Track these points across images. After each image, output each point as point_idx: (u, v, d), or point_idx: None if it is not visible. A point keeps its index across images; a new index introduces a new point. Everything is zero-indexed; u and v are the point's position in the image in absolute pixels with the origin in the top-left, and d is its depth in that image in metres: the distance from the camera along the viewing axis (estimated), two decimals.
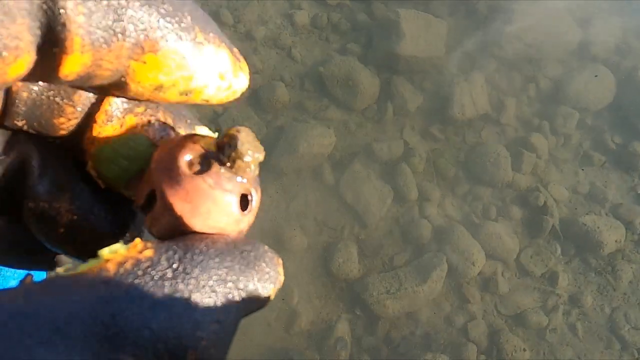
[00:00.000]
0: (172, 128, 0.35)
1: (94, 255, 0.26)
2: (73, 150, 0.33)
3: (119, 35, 0.25)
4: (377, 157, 3.70)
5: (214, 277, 0.25)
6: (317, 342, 3.21)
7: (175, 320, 0.23)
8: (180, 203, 0.28)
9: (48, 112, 0.30)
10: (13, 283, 0.62)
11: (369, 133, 3.82)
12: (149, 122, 0.34)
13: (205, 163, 0.29)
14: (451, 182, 3.72)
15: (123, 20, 0.25)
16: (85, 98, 0.31)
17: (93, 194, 0.34)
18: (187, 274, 0.25)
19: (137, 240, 0.26)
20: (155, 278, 0.24)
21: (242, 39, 4.13)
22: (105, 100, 0.32)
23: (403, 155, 3.73)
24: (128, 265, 0.24)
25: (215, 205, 0.28)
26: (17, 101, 0.29)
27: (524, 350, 3.22)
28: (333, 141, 3.70)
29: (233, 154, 0.28)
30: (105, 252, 0.26)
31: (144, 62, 0.27)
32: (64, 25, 0.23)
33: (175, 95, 0.29)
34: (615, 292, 3.39)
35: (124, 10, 0.24)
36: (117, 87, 0.28)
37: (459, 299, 3.36)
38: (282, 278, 0.30)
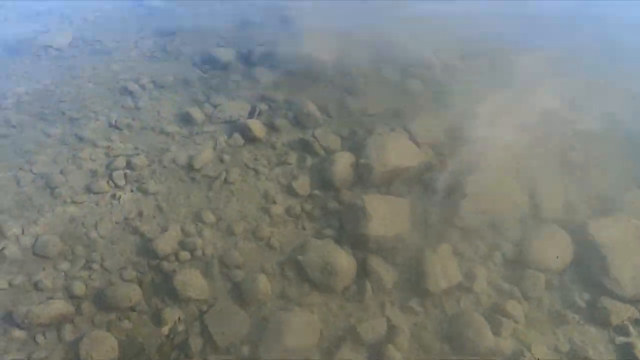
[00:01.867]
0: None
1: None
2: None
3: None
4: (363, 340, 3.78)
5: None
6: None
7: None
8: None
9: None
10: None
11: (352, 314, 3.96)
12: None
13: None
14: (438, 356, 3.78)
15: None
16: None
17: None
18: None
19: None
20: None
21: (224, 236, 4.46)
22: None
23: (387, 334, 3.83)
24: None
25: None
26: None
27: None
28: (318, 328, 3.82)
29: None
30: None
31: None
32: None
33: None
34: None
35: None
36: None
37: None
38: None
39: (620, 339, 3.71)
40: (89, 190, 4.68)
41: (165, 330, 3.81)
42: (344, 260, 4.22)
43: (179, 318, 3.88)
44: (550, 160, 4.91)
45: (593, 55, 6.76)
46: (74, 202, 4.55)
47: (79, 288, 3.90)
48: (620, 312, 3.77)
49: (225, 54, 6.94)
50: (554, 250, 4.14)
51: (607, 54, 6.81)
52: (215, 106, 5.83)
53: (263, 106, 5.90)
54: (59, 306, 3.72)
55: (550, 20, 7.88)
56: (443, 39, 7.02)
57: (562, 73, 6.19)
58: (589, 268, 4.06)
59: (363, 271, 4.25)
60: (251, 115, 5.75)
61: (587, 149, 5.06)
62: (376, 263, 4.26)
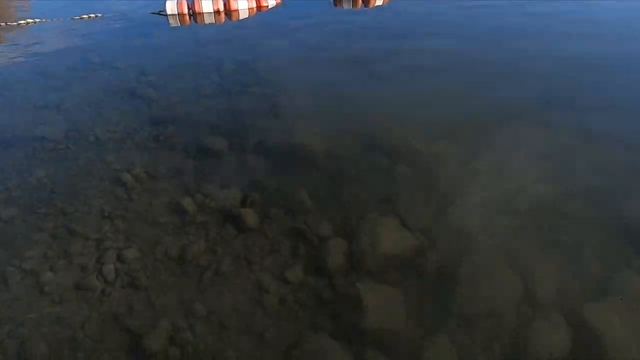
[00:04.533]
0: None
1: None
2: None
3: None
4: None
5: None
6: None
7: None
8: None
9: None
10: None
11: None
12: None
13: None
14: None
15: None
16: None
17: None
18: None
19: None
20: None
21: (216, 330, 4.33)
22: None
23: None
24: None
25: None
26: None
27: None
28: None
29: None
30: None
31: None
32: None
33: None
34: None
35: None
36: None
37: None
38: None
39: None
40: (77, 287, 4.58)
41: None
42: (339, 356, 4.09)
43: None
44: (541, 242, 4.96)
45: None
46: (62, 301, 4.44)
47: None
48: None
49: (217, 143, 7.13)
50: (551, 338, 4.07)
51: None
52: (206, 195, 5.90)
53: (255, 194, 5.98)
54: None
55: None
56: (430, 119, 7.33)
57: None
58: (589, 356, 3.98)
59: None
60: (243, 204, 5.81)
61: (577, 232, 5.14)
62: (374, 357, 4.13)
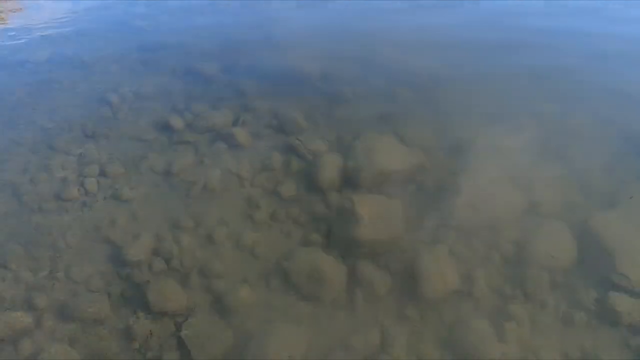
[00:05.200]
0: None
1: None
2: None
3: None
4: (355, 352, 3.44)
5: None
6: None
7: None
8: None
9: None
10: None
11: (343, 325, 3.62)
12: None
13: None
14: None
15: None
16: None
17: None
18: None
19: None
20: None
21: (203, 243, 4.14)
22: None
23: (381, 344, 3.49)
24: None
25: None
26: None
27: None
28: (306, 341, 3.47)
29: None
30: None
31: None
32: None
33: None
34: None
35: None
36: None
37: None
38: None
39: (636, 340, 3.39)
40: (58, 198, 4.36)
41: (136, 345, 3.43)
42: (332, 268, 3.91)
43: (151, 332, 3.51)
44: (548, 157, 4.70)
45: None
46: (41, 210, 4.22)
47: (40, 299, 3.53)
48: (633, 311, 3.47)
49: (209, 67, 6.77)
50: (557, 247, 3.87)
51: None
52: (196, 115, 5.60)
53: (247, 116, 5.67)
54: (18, 319, 3.35)
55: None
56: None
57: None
58: (594, 265, 3.79)
59: (354, 279, 3.92)
60: (235, 124, 5.52)
61: (585, 146, 4.87)
62: (368, 269, 3.94)
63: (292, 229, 4.34)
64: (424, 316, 3.68)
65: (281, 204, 4.50)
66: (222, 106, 5.83)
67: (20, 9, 10.00)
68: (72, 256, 3.90)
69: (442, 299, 3.74)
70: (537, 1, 9.64)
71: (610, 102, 5.69)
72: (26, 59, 6.84)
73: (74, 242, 3.99)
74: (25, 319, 3.39)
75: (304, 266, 3.92)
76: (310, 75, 6.36)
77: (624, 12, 8.98)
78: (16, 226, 4.08)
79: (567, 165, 4.67)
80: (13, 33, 8.14)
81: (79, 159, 4.84)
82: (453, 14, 8.73)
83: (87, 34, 8.19)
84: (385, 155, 4.76)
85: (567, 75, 6.29)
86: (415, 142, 5.07)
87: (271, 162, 4.91)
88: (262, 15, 9.08)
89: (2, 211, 4.21)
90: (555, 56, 6.86)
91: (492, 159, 4.68)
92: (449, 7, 9.26)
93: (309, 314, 3.73)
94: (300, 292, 3.82)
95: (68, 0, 10.69)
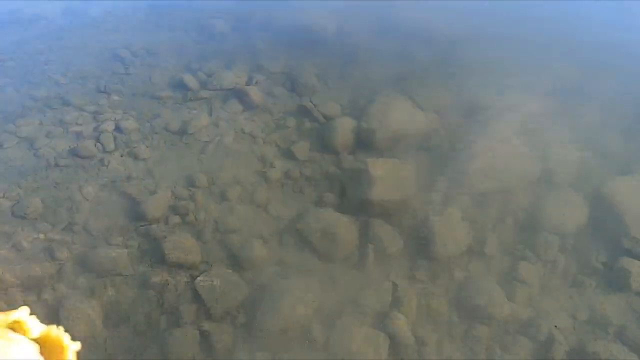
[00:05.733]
0: None
1: None
2: None
3: None
4: (366, 307, 3.52)
5: None
6: None
7: None
8: None
9: None
10: None
11: (354, 282, 3.69)
12: None
13: None
14: (447, 324, 3.51)
15: None
16: None
17: None
18: None
19: None
20: None
21: (218, 200, 4.19)
22: None
23: (392, 301, 3.57)
24: None
25: None
26: None
27: None
28: (318, 296, 3.55)
29: None
30: None
31: None
32: None
33: None
34: None
35: None
36: None
37: None
38: None
39: None
40: (74, 153, 4.40)
41: (153, 297, 3.54)
42: (345, 227, 3.96)
43: (168, 284, 3.61)
44: (563, 123, 4.65)
45: None
46: (58, 165, 4.27)
47: (60, 251, 3.62)
48: None
49: (221, 26, 6.68)
50: (568, 212, 3.89)
51: None
52: (210, 75, 5.56)
53: (260, 76, 5.63)
54: (38, 268, 3.45)
55: None
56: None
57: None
58: (605, 229, 3.82)
59: (366, 238, 3.97)
60: (248, 83, 5.49)
61: (601, 111, 4.81)
62: (380, 229, 3.99)
63: (305, 189, 4.37)
64: (435, 275, 3.75)
65: (294, 164, 4.52)
66: (235, 65, 5.78)
67: None
68: (90, 210, 3.97)
69: (452, 259, 3.80)
70: None
71: (631, 70, 5.59)
72: (39, 15, 6.77)
73: (91, 196, 4.05)
74: (46, 269, 3.49)
75: (317, 224, 3.97)
76: (324, 34, 6.27)
77: None
78: (34, 180, 4.14)
79: (583, 131, 4.63)
80: None
81: (94, 115, 4.86)
82: None
83: None
84: (399, 118, 4.74)
85: (589, 43, 6.15)
86: (430, 105, 5.03)
87: (285, 122, 4.90)
88: None
89: (19, 165, 4.26)
90: (577, 24, 6.69)
91: (507, 124, 4.64)
92: None
93: (321, 271, 3.80)
94: (313, 249, 3.88)
95: None
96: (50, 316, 3.27)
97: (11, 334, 0.61)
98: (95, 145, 4.49)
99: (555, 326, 3.39)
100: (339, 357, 3.27)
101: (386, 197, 4.03)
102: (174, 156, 4.52)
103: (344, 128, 4.70)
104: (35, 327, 0.63)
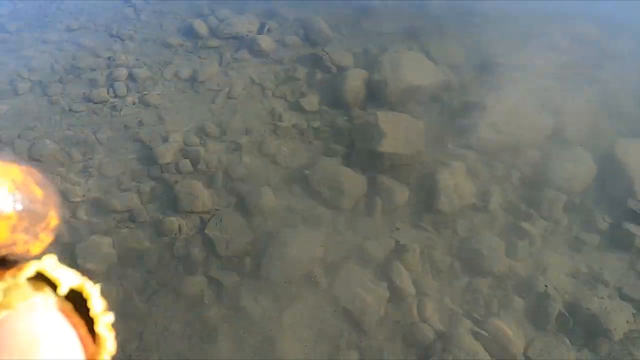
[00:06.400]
0: None
1: None
2: None
3: None
4: (370, 256, 3.63)
5: None
6: None
7: None
8: None
9: None
10: None
11: (359, 232, 3.79)
12: None
13: None
14: (448, 276, 3.62)
15: None
16: None
17: None
18: None
19: None
20: None
21: (228, 149, 4.25)
22: None
23: (395, 251, 3.67)
24: None
25: None
26: None
27: None
28: (323, 244, 3.66)
29: None
30: None
31: None
32: None
33: None
34: None
35: None
36: None
37: None
38: None
39: None
40: (88, 99, 4.45)
41: (165, 240, 3.67)
42: (353, 179, 4.02)
43: (180, 228, 3.74)
44: (579, 82, 4.56)
45: None
46: (72, 111, 4.34)
47: (74, 193, 3.74)
48: None
49: None
50: (576, 171, 3.89)
51: None
52: (221, 20, 5.48)
53: (272, 23, 5.54)
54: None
55: None
56: None
57: None
58: (612, 190, 3.82)
59: (373, 189, 4.04)
60: (260, 31, 5.41)
61: (620, 72, 4.70)
62: (387, 181, 4.04)
63: (314, 140, 4.40)
64: (438, 227, 3.83)
65: (304, 115, 4.53)
66: (247, 12, 5.68)
67: None
68: (104, 154, 4.06)
69: (457, 213, 3.86)
70: None
71: None
72: None
73: (105, 141, 4.14)
74: (61, 211, 3.61)
75: (325, 175, 4.03)
76: None
77: None
78: (49, 125, 4.22)
79: (598, 90, 4.54)
80: None
81: (107, 61, 4.87)
82: None
83: None
84: (411, 71, 4.67)
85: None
86: (444, 58, 4.94)
87: (295, 73, 4.87)
88: None
89: (34, 110, 4.33)
90: None
91: (521, 80, 4.56)
92: None
93: (328, 220, 3.90)
94: (320, 199, 3.96)
95: None
96: (64, 257, 3.43)
97: (33, 294, 0.44)
98: (108, 91, 4.53)
99: (546, 286, 3.47)
100: (341, 303, 3.41)
101: (395, 150, 4.05)
102: (185, 104, 4.55)
103: (356, 80, 4.66)
104: (65, 279, 0.45)
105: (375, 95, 4.60)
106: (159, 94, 4.58)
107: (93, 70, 4.76)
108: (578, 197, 3.85)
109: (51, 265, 0.46)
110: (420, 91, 4.59)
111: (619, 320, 3.28)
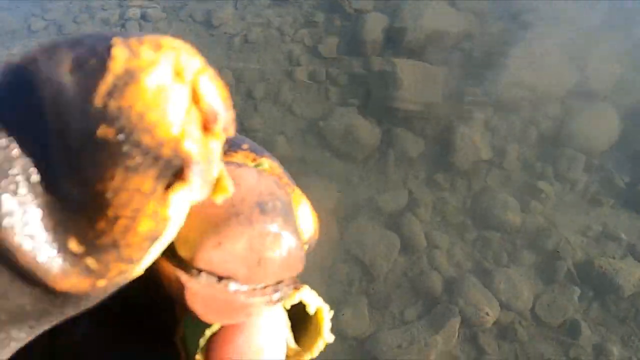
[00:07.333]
0: None
1: None
2: None
3: None
4: (382, 208, 3.65)
5: None
6: None
7: None
8: None
9: None
10: None
11: (372, 184, 3.80)
12: None
13: None
14: (459, 229, 3.64)
15: None
16: None
17: None
18: None
19: None
20: None
21: (243, 98, 4.21)
22: None
23: (408, 205, 3.69)
24: None
25: None
26: None
27: None
28: (336, 195, 3.68)
29: None
30: None
31: None
32: None
33: None
34: None
35: None
36: None
37: (475, 350, 3.21)
38: None
39: None
40: None
41: None
42: (367, 129, 3.98)
43: None
44: (611, 36, 4.34)
45: None
46: None
47: None
48: None
49: None
50: (599, 129, 3.79)
51: None
52: None
53: None
54: None
55: None
56: None
57: None
58: (635, 150, 3.73)
59: (388, 141, 4.00)
60: None
61: None
62: (402, 133, 4.00)
63: (330, 89, 4.33)
64: (452, 183, 3.81)
65: (321, 63, 4.43)
66: None
67: None
68: None
69: (471, 169, 3.83)
70: None
71: None
72: None
73: None
74: None
75: (339, 126, 4.00)
76: None
77: None
78: None
79: (631, 47, 4.32)
80: None
81: (119, 1, 4.76)
82: None
83: None
84: (433, 18, 4.49)
85: None
86: (469, 5, 4.72)
87: (314, 17, 4.72)
88: None
89: None
90: None
91: (549, 30, 4.36)
92: None
93: (341, 171, 3.90)
94: (334, 150, 3.95)
95: None
96: None
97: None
98: (121, 31, 4.45)
99: (557, 243, 3.47)
100: (352, 252, 3.48)
101: (412, 101, 3.97)
102: (199, 48, 4.45)
103: (375, 25, 4.50)
104: (312, 300, 0.37)
105: (394, 42, 4.45)
106: (172, 35, 4.48)
107: (105, 10, 4.67)
108: (598, 157, 3.77)
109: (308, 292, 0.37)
110: (441, 39, 4.43)
111: (630, 278, 3.29)
